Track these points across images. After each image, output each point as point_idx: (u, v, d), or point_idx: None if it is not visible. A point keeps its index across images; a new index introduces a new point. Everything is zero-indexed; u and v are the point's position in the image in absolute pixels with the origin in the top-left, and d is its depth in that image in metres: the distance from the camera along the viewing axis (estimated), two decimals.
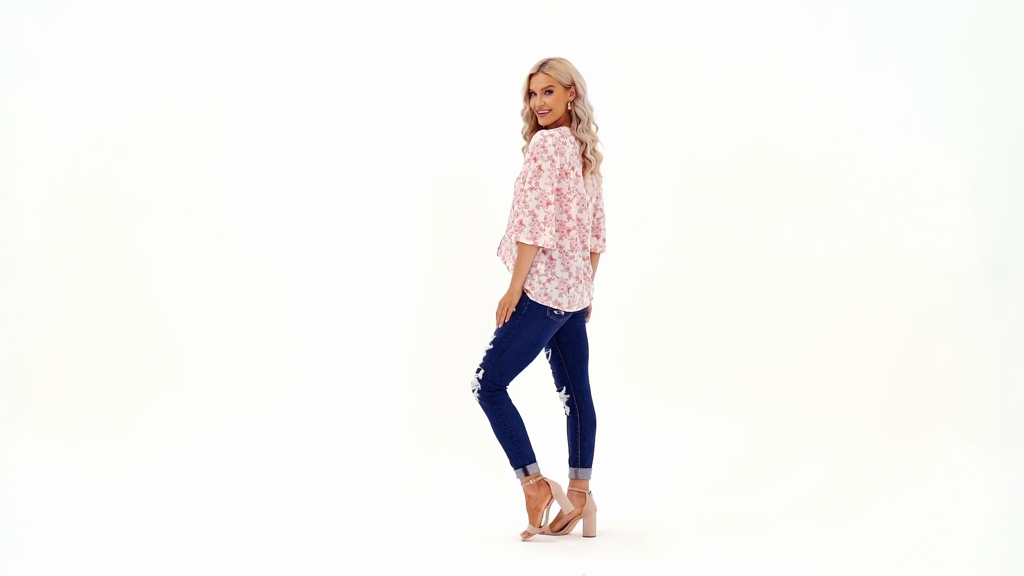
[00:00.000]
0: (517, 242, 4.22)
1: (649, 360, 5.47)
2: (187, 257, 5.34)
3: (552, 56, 4.36)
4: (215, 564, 3.96)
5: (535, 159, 4.22)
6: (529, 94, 4.34)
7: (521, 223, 4.20)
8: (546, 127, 4.33)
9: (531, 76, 4.33)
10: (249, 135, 5.37)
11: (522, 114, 4.42)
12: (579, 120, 4.35)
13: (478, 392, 4.30)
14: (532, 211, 4.20)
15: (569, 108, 4.35)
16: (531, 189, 4.21)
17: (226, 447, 5.13)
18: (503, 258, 4.35)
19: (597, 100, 4.86)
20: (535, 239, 4.19)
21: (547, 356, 4.53)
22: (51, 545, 4.13)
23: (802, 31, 5.49)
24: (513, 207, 4.25)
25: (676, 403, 5.41)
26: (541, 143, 4.23)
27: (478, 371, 4.30)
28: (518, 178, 4.28)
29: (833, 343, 5.47)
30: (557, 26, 5.45)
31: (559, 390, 4.51)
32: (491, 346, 4.30)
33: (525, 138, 4.43)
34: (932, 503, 4.69)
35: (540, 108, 4.31)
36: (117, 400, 5.24)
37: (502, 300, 4.28)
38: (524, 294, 4.27)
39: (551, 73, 4.29)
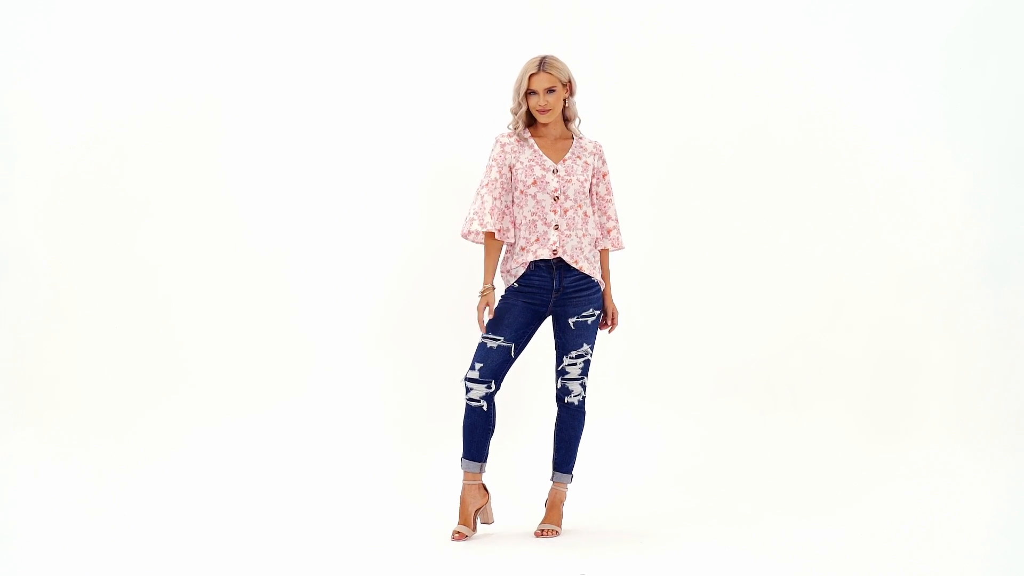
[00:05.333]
0: (618, 248, 4.46)
1: (638, 359, 5.49)
2: (186, 257, 5.31)
3: (545, 53, 4.34)
4: (214, 565, 3.96)
5: (608, 167, 4.43)
6: (528, 93, 4.29)
7: (613, 229, 4.43)
8: (544, 125, 4.36)
9: (532, 75, 4.26)
10: (248, 134, 5.35)
11: (515, 112, 4.35)
12: (572, 118, 4.41)
13: (582, 402, 4.43)
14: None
15: (565, 105, 4.36)
16: (612, 200, 4.46)
17: (225, 448, 5.12)
18: (572, 257, 4.34)
19: (589, 96, 4.93)
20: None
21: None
22: (50, 545, 4.12)
23: (801, 29, 5.55)
24: (604, 213, 4.42)
25: (667, 402, 5.44)
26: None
27: (583, 383, 4.41)
28: (596, 184, 4.39)
29: (828, 341, 5.53)
30: (552, 21, 5.46)
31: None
32: (589, 355, 4.41)
33: (517, 134, 4.35)
34: (926, 501, 4.74)
35: (543, 107, 4.28)
36: (116, 400, 5.22)
37: (613, 313, 4.46)
38: (599, 289, 4.43)
39: (553, 72, 4.26)
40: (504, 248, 4.40)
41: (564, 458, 4.45)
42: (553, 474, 4.46)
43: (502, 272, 4.40)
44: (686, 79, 5.51)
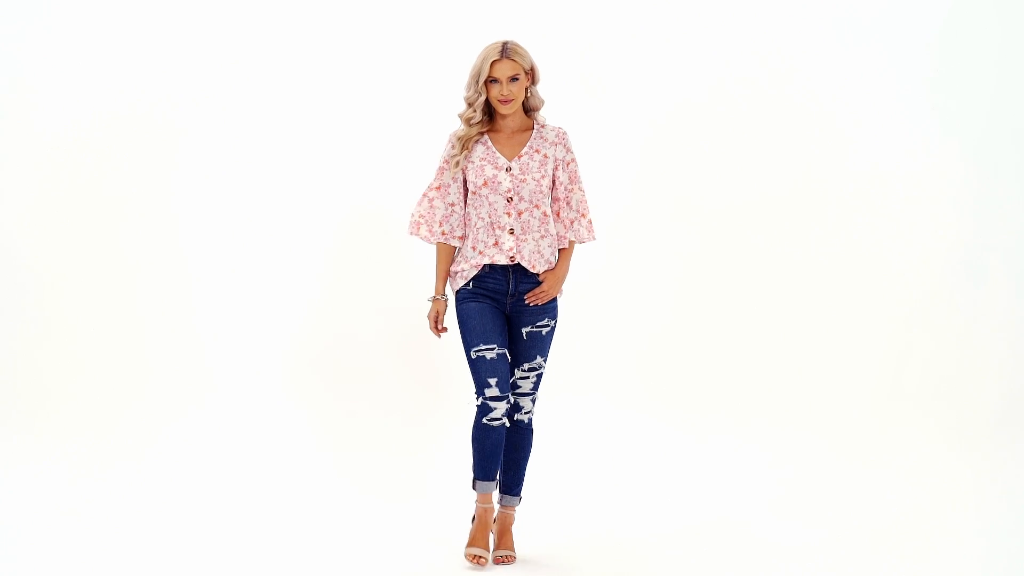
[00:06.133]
0: (579, 241, 4.05)
1: (632, 368, 5.45)
2: (156, 260, 5.35)
3: (506, 39, 3.97)
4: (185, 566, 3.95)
5: (573, 154, 4.06)
6: (489, 81, 3.92)
7: (578, 220, 4.05)
8: (503, 117, 4.00)
9: (494, 62, 3.89)
10: (220, 141, 5.37)
11: (472, 102, 3.96)
12: (536, 108, 4.04)
13: (531, 420, 4.11)
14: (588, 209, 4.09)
15: (528, 95, 4.00)
16: (582, 188, 4.08)
17: (192, 449, 5.09)
18: (529, 262, 3.99)
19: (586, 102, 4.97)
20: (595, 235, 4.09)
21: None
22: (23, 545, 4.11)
23: (785, 29, 5.49)
24: (568, 204, 4.04)
25: (653, 406, 5.37)
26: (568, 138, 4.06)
27: (533, 399, 4.07)
28: (559, 173, 4.02)
29: (806, 342, 5.48)
30: (536, 17, 5.40)
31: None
32: (542, 368, 4.07)
33: (469, 125, 3.98)
34: (912, 502, 4.68)
35: (506, 97, 3.91)
36: (88, 401, 5.23)
37: (547, 292, 4.01)
38: (556, 297, 4.08)
39: (516, 58, 3.90)
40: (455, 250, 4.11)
41: (513, 480, 4.09)
42: (501, 497, 4.08)
43: (450, 274, 4.08)
44: (671, 78, 5.47)
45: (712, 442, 5.20)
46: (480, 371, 3.94)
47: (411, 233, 4.07)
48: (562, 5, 5.42)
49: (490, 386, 3.92)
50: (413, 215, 4.07)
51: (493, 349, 3.94)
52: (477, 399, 3.97)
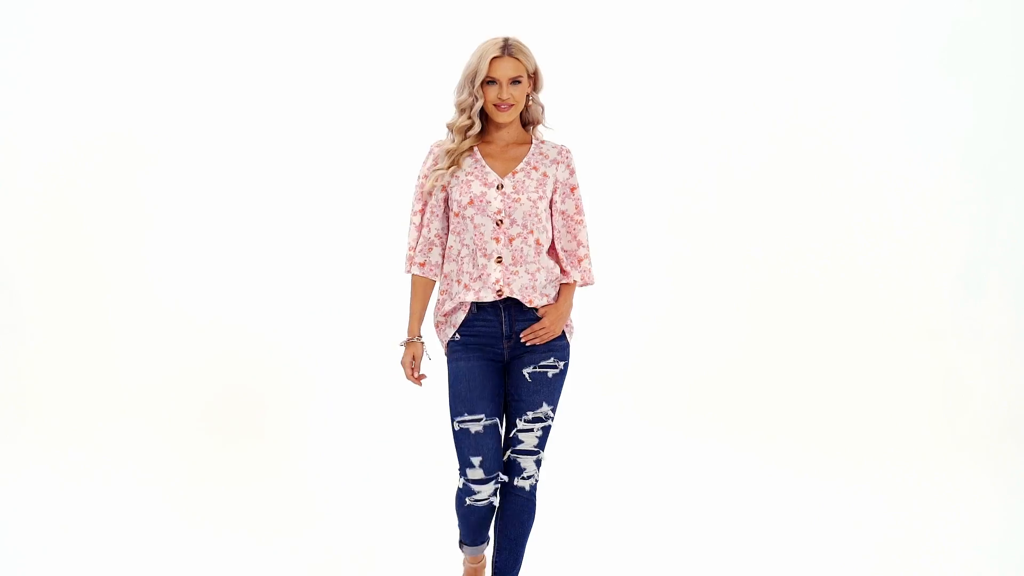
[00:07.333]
0: (582, 283, 3.50)
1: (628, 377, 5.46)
2: (135, 269, 5.42)
3: (508, 36, 3.42)
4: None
5: (578, 179, 3.52)
6: (487, 82, 3.39)
7: (584, 258, 3.49)
8: (497, 128, 3.47)
9: (494, 59, 3.35)
10: (195, 156, 5.41)
11: (467, 108, 3.41)
12: (536, 120, 3.52)
13: (534, 487, 3.41)
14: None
15: (529, 103, 3.49)
16: (583, 221, 3.53)
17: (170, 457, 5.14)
18: (522, 296, 3.42)
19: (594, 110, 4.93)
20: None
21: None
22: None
23: (777, 37, 5.47)
24: (574, 238, 3.48)
25: (648, 416, 5.39)
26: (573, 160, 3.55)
27: (538, 460, 3.40)
28: (561, 200, 3.47)
29: (804, 356, 5.50)
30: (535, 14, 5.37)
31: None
32: (550, 419, 3.41)
33: (464, 135, 3.42)
34: (913, 514, 4.69)
35: (505, 102, 3.38)
36: (71, 408, 5.31)
37: (547, 329, 3.40)
38: (564, 336, 3.49)
39: (520, 58, 3.37)
40: (437, 287, 3.53)
41: (509, 562, 3.44)
42: None
43: (439, 318, 3.50)
44: (668, 82, 5.45)
45: (716, 448, 5.22)
46: (462, 447, 3.39)
47: (405, 271, 3.54)
48: (564, 17, 5.41)
49: (473, 466, 3.38)
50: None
51: (480, 420, 3.38)
52: (459, 478, 3.44)
